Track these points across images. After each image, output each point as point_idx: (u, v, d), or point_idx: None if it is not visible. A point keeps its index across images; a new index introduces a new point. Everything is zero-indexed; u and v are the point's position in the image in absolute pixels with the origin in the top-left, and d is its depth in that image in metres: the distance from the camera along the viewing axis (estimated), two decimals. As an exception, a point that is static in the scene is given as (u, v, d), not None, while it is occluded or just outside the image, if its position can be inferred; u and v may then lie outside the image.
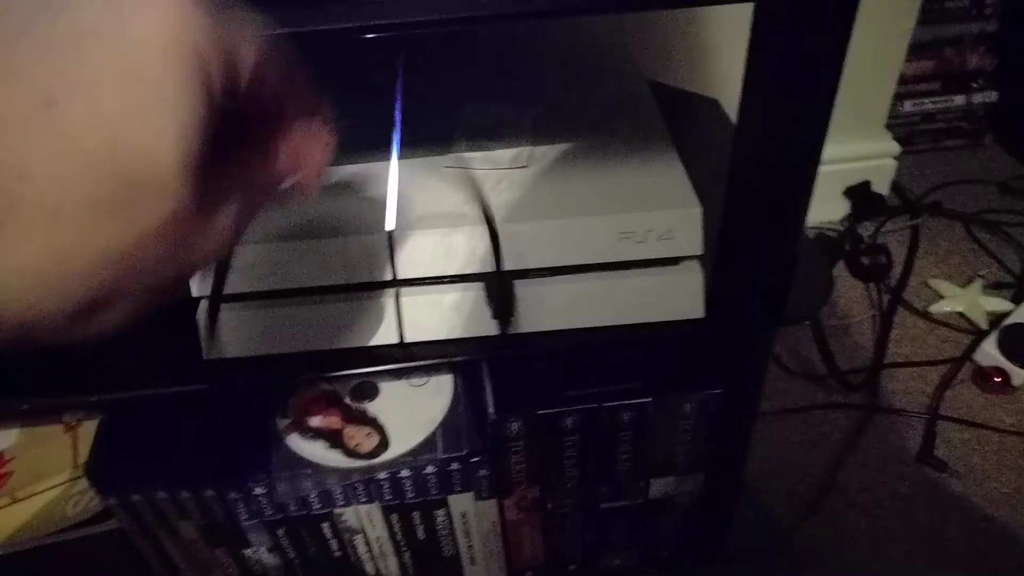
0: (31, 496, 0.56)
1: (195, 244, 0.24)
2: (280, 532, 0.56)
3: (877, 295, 1.03)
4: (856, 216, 1.12)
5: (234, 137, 0.24)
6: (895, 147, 1.09)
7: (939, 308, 0.99)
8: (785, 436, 0.87)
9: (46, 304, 0.20)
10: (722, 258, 0.48)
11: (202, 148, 0.22)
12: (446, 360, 0.48)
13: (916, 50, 1.09)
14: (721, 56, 0.92)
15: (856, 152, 1.07)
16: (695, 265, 0.47)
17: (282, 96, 0.27)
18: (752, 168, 0.44)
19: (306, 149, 0.29)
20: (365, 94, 0.56)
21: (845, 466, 0.84)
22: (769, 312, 0.49)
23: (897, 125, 1.19)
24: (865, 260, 1.04)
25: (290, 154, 0.29)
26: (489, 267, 0.46)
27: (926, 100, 1.19)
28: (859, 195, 1.09)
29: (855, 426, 0.88)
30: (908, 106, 1.19)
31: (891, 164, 1.11)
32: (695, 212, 0.45)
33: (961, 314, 0.98)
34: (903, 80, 1.13)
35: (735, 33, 0.87)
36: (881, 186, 1.12)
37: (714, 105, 0.66)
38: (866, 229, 1.12)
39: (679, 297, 0.47)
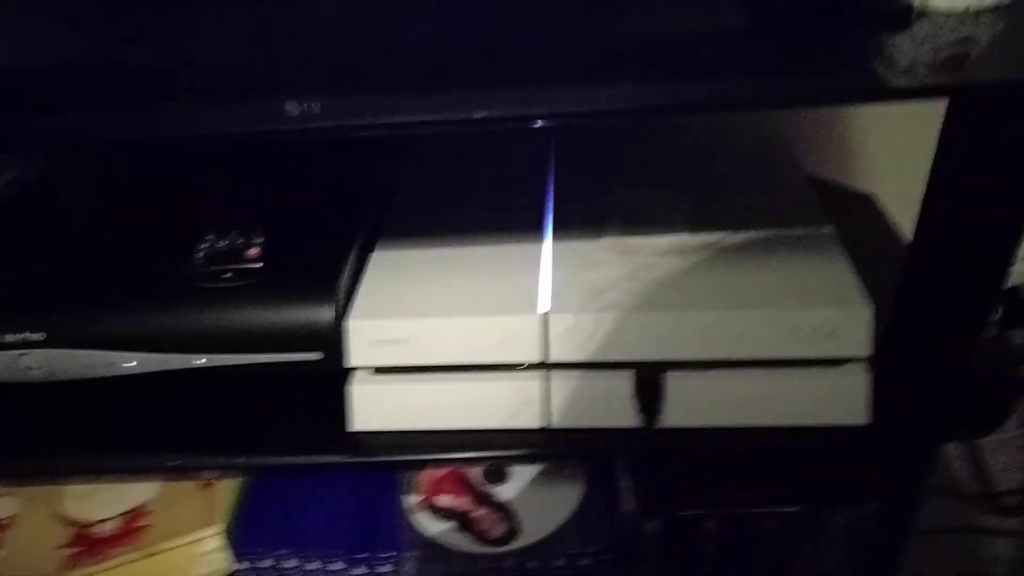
0: (164, 553, 0.57)
1: None
2: (401, 613, 0.55)
3: (1031, 411, 0.95)
4: (1007, 323, 1.04)
5: None
6: (1051, 253, 1.02)
7: (1105, 431, 0.90)
8: (928, 558, 0.80)
9: None
10: (891, 364, 0.45)
11: None
12: (589, 451, 0.46)
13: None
14: (871, 149, 0.90)
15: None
16: (860, 368, 0.44)
17: None
18: (931, 275, 0.42)
19: None
20: (521, 175, 0.58)
21: (1000, 600, 0.75)
22: (939, 426, 0.46)
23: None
24: (1021, 370, 0.96)
25: None
26: (639, 356, 0.45)
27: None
28: (1011, 300, 1.02)
29: (1008, 555, 0.80)
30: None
31: (1045, 270, 1.04)
32: (865, 312, 0.43)
33: None
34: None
35: (886, 126, 0.85)
36: (1034, 293, 1.05)
37: (869, 200, 0.64)
38: (1017, 337, 1.05)
39: (841, 401, 0.45)
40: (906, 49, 0.36)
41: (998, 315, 1.12)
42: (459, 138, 0.63)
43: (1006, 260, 0.40)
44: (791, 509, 0.50)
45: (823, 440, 0.45)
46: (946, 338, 0.43)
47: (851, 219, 0.61)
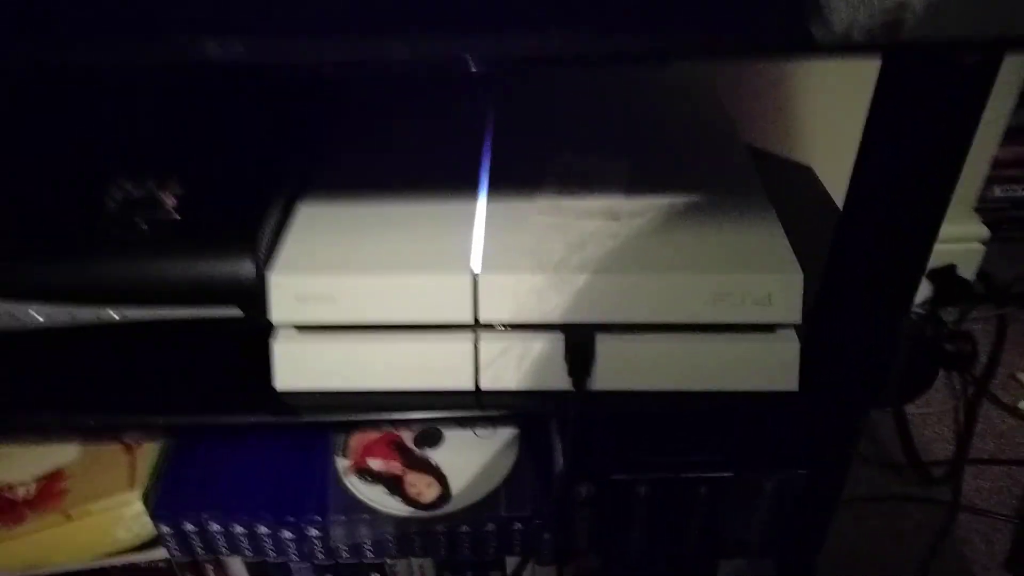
0: (84, 517, 0.55)
1: None
2: (328, 578, 0.54)
3: (961, 385, 0.98)
4: (939, 300, 1.07)
5: None
6: (984, 231, 1.05)
7: (1029, 404, 0.94)
8: (858, 526, 0.82)
9: None
10: (821, 331, 0.45)
11: None
12: (520, 412, 0.46)
13: (1012, 135, 1.06)
14: (811, 121, 0.90)
15: (943, 234, 1.03)
16: (791, 334, 0.44)
17: None
18: (861, 242, 0.42)
19: None
20: (458, 133, 0.56)
21: (923, 566, 0.78)
22: (867, 393, 0.46)
23: (984, 210, 1.15)
24: (949, 347, 0.98)
25: None
26: (570, 318, 0.44)
27: (1018, 187, 1.14)
28: (943, 279, 1.04)
29: (935, 523, 0.82)
30: (998, 191, 1.15)
31: (979, 249, 1.06)
32: (796, 279, 0.43)
33: (1053, 413, 0.92)
34: (995, 164, 1.09)
35: (825, 98, 0.85)
36: (967, 271, 1.07)
37: (807, 172, 0.64)
38: (948, 315, 1.07)
39: (772, 367, 0.45)
40: (842, 8, 0.35)
41: (931, 294, 1.14)
42: (397, 92, 0.61)
43: (933, 231, 0.40)
44: (723, 475, 0.50)
45: (753, 405, 0.45)
46: (874, 307, 0.44)
47: (788, 190, 0.61)
